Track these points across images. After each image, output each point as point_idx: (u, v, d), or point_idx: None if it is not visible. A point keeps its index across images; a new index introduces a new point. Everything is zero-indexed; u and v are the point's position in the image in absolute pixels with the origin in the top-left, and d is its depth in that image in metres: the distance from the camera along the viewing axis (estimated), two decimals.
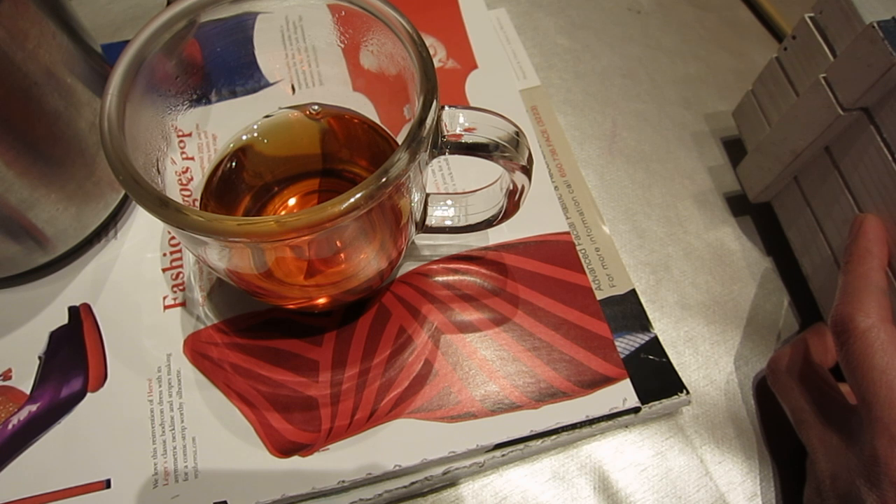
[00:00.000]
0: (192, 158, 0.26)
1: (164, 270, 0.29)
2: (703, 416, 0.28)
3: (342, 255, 0.24)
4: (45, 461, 0.25)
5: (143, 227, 0.31)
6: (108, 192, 0.30)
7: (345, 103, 0.28)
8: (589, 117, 0.37)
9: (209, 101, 0.26)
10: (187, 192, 0.26)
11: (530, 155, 0.23)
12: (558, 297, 0.29)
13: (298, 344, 0.27)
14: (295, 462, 0.25)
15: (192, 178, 0.26)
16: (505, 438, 0.26)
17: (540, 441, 0.26)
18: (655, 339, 0.28)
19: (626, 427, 0.28)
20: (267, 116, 0.28)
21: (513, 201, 0.26)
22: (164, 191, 0.22)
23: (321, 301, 0.27)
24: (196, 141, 0.26)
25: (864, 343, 0.21)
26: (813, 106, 0.27)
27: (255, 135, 0.28)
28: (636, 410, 0.27)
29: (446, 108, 0.22)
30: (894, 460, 0.20)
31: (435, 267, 0.30)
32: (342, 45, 0.25)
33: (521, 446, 0.26)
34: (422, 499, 0.26)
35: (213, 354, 0.27)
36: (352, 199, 0.18)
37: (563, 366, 0.27)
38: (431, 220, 0.27)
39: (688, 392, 0.27)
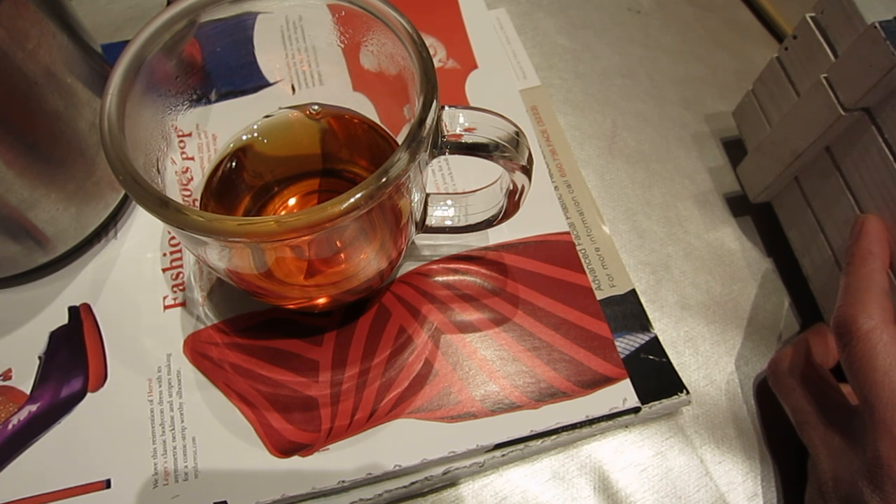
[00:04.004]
0: (192, 158, 0.26)
1: (164, 270, 0.29)
2: (703, 416, 0.28)
3: (342, 255, 0.24)
4: (45, 461, 0.25)
5: (143, 227, 0.31)
6: (108, 192, 0.30)
7: (345, 103, 0.28)
8: (589, 117, 0.37)
9: (209, 101, 0.26)
10: (187, 192, 0.26)
11: (530, 155, 0.23)
12: (558, 297, 0.29)
13: (298, 344, 0.27)
14: (295, 462, 0.25)
15: (192, 178, 0.26)
16: (505, 438, 0.26)
17: (540, 441, 0.26)
18: (655, 339, 0.28)
19: (626, 427, 0.28)
20: (267, 116, 0.28)
21: (513, 201, 0.26)
22: (164, 191, 0.22)
23: (321, 301, 0.27)
24: (196, 141, 0.26)
25: (866, 345, 0.21)
26: (814, 106, 0.27)
27: (255, 135, 0.28)
28: (636, 410, 0.27)
29: (446, 108, 0.22)
30: None
31: (435, 267, 0.30)
32: (342, 45, 0.25)
33: (521, 446, 0.26)
34: (422, 499, 0.26)
35: (213, 354, 0.27)
36: (352, 199, 0.18)
37: (563, 366, 0.27)
38: (431, 220, 0.27)
39: (688, 392, 0.27)
